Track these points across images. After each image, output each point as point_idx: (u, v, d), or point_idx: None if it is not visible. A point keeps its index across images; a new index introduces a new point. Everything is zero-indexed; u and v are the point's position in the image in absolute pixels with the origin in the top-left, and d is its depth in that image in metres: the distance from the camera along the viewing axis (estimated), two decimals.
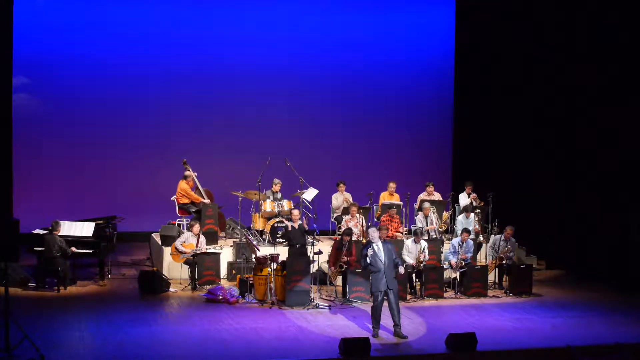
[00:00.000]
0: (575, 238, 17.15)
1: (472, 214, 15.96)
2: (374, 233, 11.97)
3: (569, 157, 17.73)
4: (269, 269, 13.49)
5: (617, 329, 12.48)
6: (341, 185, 16.84)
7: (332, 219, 16.77)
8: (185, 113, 18.44)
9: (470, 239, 14.99)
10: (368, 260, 11.76)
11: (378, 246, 11.83)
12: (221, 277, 14.78)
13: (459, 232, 15.17)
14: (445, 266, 14.76)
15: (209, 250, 14.58)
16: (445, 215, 16.16)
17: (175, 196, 15.94)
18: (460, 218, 16.11)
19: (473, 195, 16.98)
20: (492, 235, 15.31)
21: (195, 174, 15.99)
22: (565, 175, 17.75)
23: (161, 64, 18.25)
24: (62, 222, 14.25)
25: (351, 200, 16.39)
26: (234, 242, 15.53)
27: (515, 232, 15.16)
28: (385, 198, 16.74)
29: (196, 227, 14.48)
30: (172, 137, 18.31)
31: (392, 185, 16.89)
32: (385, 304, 11.78)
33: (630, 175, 16.58)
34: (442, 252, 15.10)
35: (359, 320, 12.60)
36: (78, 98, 17.84)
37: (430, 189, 16.90)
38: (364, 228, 15.39)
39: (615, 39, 16.80)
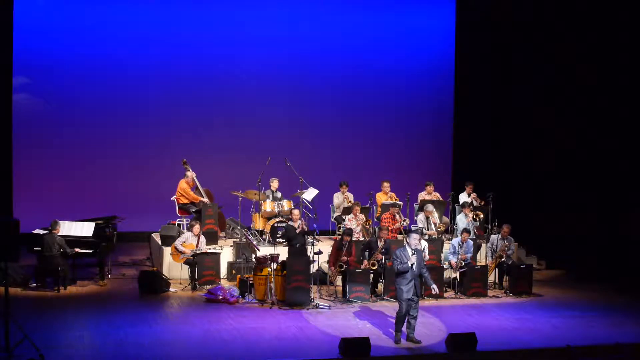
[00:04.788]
0: (575, 238, 17.15)
1: (466, 211, 15.96)
2: (415, 239, 11.51)
3: (569, 157, 17.74)
4: (269, 269, 13.49)
5: (617, 329, 12.48)
6: (344, 186, 16.85)
7: (332, 219, 16.78)
8: (185, 113, 18.44)
9: (470, 239, 15.00)
10: (409, 264, 11.29)
11: (411, 253, 11.40)
12: (221, 277, 14.78)
13: (459, 232, 15.18)
14: (445, 266, 14.76)
15: (209, 250, 14.58)
16: (443, 226, 16.10)
17: (175, 196, 15.94)
18: (460, 217, 16.10)
19: (473, 195, 16.99)
20: (492, 235, 15.30)
21: (195, 173, 15.99)
22: (565, 175, 17.75)
23: (161, 64, 18.25)
24: (62, 222, 14.25)
25: (352, 200, 16.37)
26: (234, 242, 15.53)
27: (515, 232, 15.17)
28: (381, 198, 16.72)
29: (196, 228, 14.47)
30: (172, 137, 18.31)
31: (386, 185, 16.89)
32: None
33: (631, 175, 16.59)
34: (442, 252, 15.11)
35: (359, 320, 12.59)
36: (78, 98, 17.83)
37: (430, 188, 16.91)
38: (373, 228, 15.47)
39: (617, 38, 16.83)
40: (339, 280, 14.28)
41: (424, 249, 14.16)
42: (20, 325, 10.43)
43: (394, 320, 11.78)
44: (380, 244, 14.05)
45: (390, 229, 15.05)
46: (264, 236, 15.78)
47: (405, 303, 11.37)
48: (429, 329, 12.19)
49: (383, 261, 13.97)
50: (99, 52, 17.87)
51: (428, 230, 15.66)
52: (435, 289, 11.89)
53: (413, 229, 15.54)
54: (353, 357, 10.64)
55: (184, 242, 14.37)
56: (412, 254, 11.39)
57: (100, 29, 17.87)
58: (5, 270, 11.38)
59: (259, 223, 15.99)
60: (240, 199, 15.81)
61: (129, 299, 13.60)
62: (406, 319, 11.51)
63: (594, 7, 17.14)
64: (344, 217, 15.94)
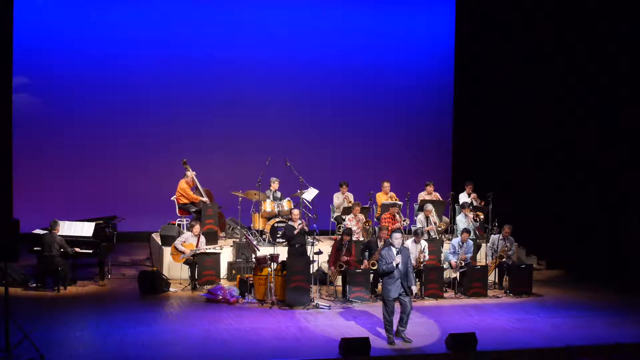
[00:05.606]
0: (575, 238, 17.14)
1: (466, 211, 15.94)
2: (398, 239, 11.49)
3: (569, 157, 17.72)
4: (269, 269, 13.50)
5: (617, 329, 12.48)
6: (344, 186, 16.86)
7: (332, 219, 16.78)
8: (185, 113, 18.43)
9: (470, 238, 15.00)
10: (394, 264, 11.28)
11: (396, 252, 11.40)
12: (221, 277, 14.78)
13: (459, 232, 15.18)
14: (445, 266, 14.76)
15: (208, 250, 14.58)
16: (443, 225, 16.10)
17: (175, 196, 15.94)
18: (460, 217, 16.10)
19: (473, 195, 16.99)
20: (492, 235, 15.29)
21: (195, 173, 15.99)
22: (565, 175, 17.74)
23: (161, 64, 18.24)
24: (62, 222, 14.25)
25: (352, 200, 16.37)
26: (234, 242, 15.53)
27: (515, 232, 15.17)
28: (381, 198, 16.72)
29: (196, 228, 14.47)
30: (172, 137, 18.30)
31: (386, 185, 16.89)
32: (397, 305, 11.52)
33: (630, 175, 16.57)
34: (442, 252, 15.11)
35: (359, 320, 12.59)
36: (78, 98, 17.83)
37: (430, 188, 16.92)
38: (370, 227, 15.43)
39: (616, 38, 16.81)
40: (339, 280, 14.29)
41: (423, 249, 14.17)
42: (20, 325, 10.43)
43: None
44: (380, 244, 14.03)
45: (390, 229, 15.04)
46: (264, 236, 15.78)
47: (392, 302, 11.39)
48: (429, 329, 12.20)
49: None
50: (99, 52, 17.86)
51: (427, 227, 15.62)
52: (414, 290, 11.68)
53: (413, 229, 15.55)
54: (353, 357, 10.65)
55: (184, 242, 14.37)
56: (397, 254, 11.39)
57: (100, 29, 17.86)
58: (5, 270, 11.38)
59: (259, 223, 15.99)
60: (240, 199, 15.81)
61: (129, 299, 13.60)
62: (399, 316, 11.51)
63: (593, 5, 17.14)
64: (344, 217, 15.94)
